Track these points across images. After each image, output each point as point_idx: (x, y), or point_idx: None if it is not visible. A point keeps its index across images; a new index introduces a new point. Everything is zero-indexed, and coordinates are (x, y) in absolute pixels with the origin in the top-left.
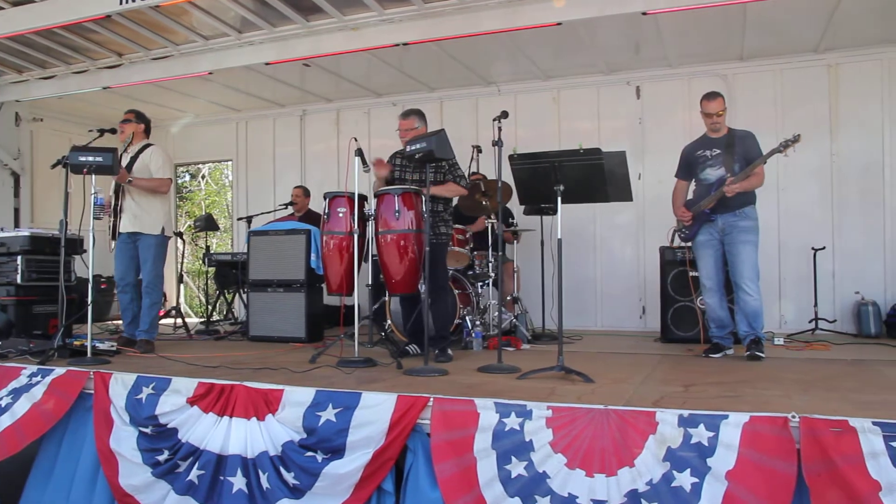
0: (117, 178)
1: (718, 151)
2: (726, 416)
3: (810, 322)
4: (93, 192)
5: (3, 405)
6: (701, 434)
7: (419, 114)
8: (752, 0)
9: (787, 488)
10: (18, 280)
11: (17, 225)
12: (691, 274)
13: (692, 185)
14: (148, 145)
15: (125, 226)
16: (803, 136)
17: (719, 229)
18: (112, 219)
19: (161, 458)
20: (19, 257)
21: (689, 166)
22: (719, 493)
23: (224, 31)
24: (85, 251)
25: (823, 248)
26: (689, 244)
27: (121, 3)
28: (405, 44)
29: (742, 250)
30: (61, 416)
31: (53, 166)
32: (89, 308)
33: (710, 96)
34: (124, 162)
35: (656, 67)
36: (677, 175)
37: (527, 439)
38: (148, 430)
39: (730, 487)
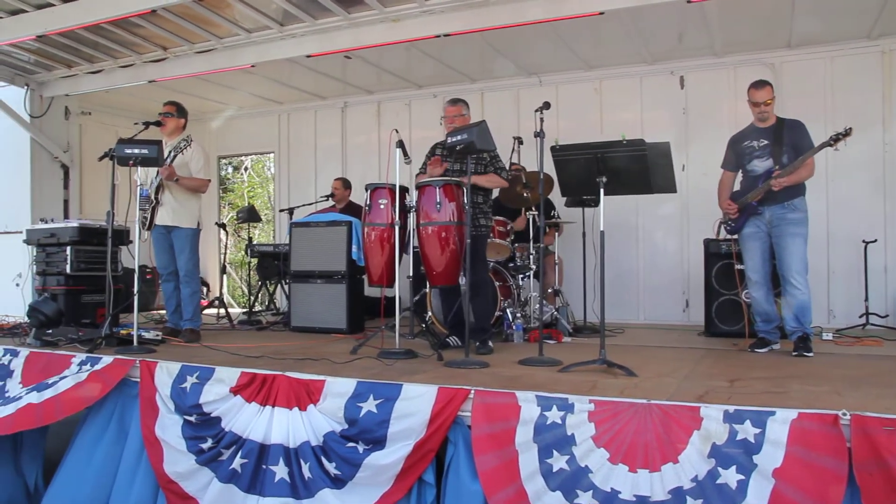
0: (164, 175)
1: (766, 142)
2: (773, 413)
3: (861, 317)
4: (139, 184)
5: (49, 383)
6: (747, 430)
7: (467, 103)
8: None
9: (838, 487)
10: (68, 270)
11: (66, 216)
12: (737, 267)
13: (739, 177)
14: (189, 140)
15: (162, 218)
16: (855, 126)
17: (767, 221)
18: (148, 210)
19: (205, 445)
20: (68, 248)
21: (735, 157)
22: (766, 490)
23: (266, 23)
24: (131, 242)
25: (875, 240)
26: (735, 236)
27: None
28: (447, 35)
29: (791, 243)
30: (99, 399)
31: (101, 158)
32: (135, 298)
33: (759, 85)
34: (166, 156)
35: (701, 56)
36: (723, 166)
37: (569, 433)
38: (192, 419)
39: (777, 485)
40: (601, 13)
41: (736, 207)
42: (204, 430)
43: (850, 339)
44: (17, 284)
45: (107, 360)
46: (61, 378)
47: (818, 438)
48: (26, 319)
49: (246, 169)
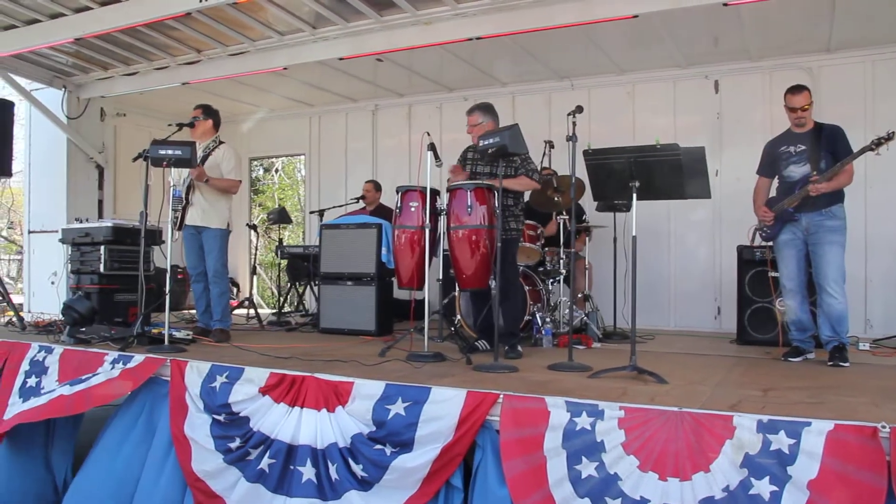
0: (195, 176)
1: (803, 147)
2: (809, 424)
3: None
4: (172, 185)
5: (83, 379)
6: (781, 441)
7: (484, 108)
8: None
9: (877, 502)
10: (101, 269)
11: (100, 216)
12: (771, 274)
13: (775, 183)
14: (221, 142)
15: (192, 218)
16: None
17: (803, 229)
18: (179, 210)
19: (233, 445)
20: (102, 247)
21: (772, 163)
22: (800, 502)
23: (299, 26)
24: (164, 242)
25: None
26: (770, 243)
27: (200, 1)
28: (478, 38)
29: (828, 251)
30: (128, 394)
31: (135, 159)
32: (166, 297)
33: (796, 90)
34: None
35: (736, 60)
36: (759, 172)
37: (598, 440)
38: (221, 418)
39: (812, 497)
40: (635, 16)
41: (772, 214)
42: (232, 430)
43: (888, 349)
44: (53, 283)
45: (138, 358)
46: (94, 375)
47: (856, 451)
48: (61, 317)
49: (277, 171)
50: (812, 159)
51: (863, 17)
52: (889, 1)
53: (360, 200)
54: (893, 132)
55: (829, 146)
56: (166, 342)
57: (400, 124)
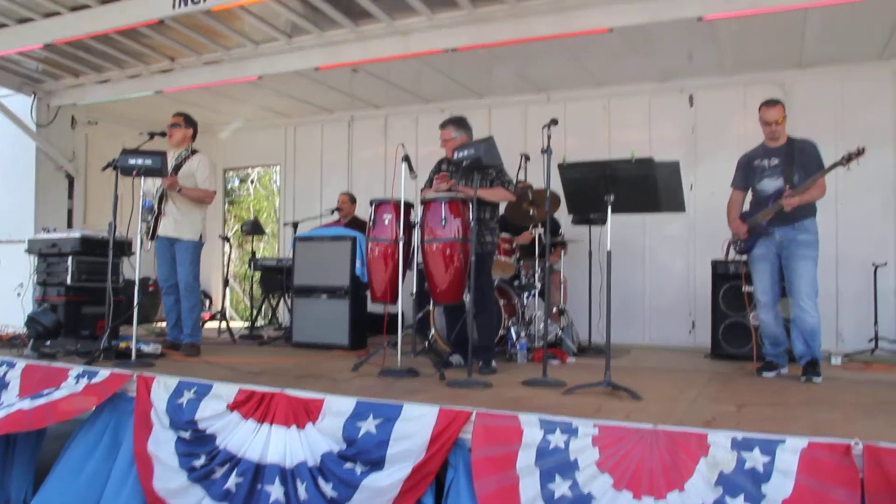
0: (167, 185)
1: (777, 161)
2: (783, 441)
3: (870, 342)
4: (142, 194)
5: (44, 393)
6: (756, 459)
7: (457, 122)
8: (815, 5)
9: None
10: (68, 281)
11: (69, 226)
12: (745, 289)
13: (748, 197)
14: (195, 151)
15: (165, 229)
16: (866, 147)
17: (777, 243)
18: (151, 221)
19: (198, 462)
20: (70, 258)
21: (745, 176)
22: None
23: (274, 35)
24: (133, 253)
25: (885, 263)
26: (744, 257)
27: (173, 8)
28: (454, 49)
29: (800, 265)
30: (91, 410)
31: (104, 168)
32: (135, 310)
33: (770, 104)
34: (170, 165)
35: (711, 75)
36: (733, 185)
37: (572, 458)
38: (187, 435)
39: None
40: (610, 30)
41: (746, 227)
42: (198, 447)
43: (860, 363)
44: (19, 294)
45: (104, 373)
46: (57, 390)
47: (830, 468)
48: (25, 330)
49: (252, 182)
50: (786, 173)
51: (833, 35)
52: (857, 21)
53: (335, 212)
54: (864, 147)
55: (802, 160)
56: (133, 356)
57: (376, 136)
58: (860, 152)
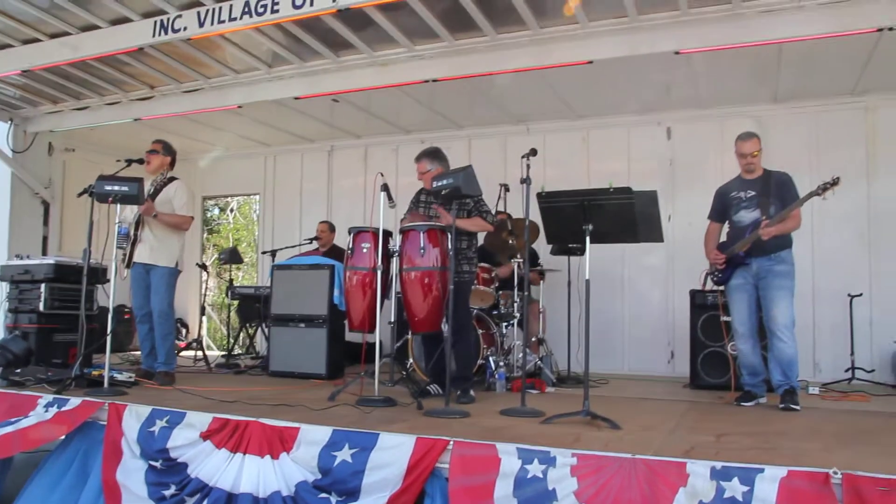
0: (143, 210)
1: (753, 193)
2: (762, 470)
3: (846, 371)
4: (117, 221)
5: (11, 422)
6: (735, 488)
7: (430, 155)
8: (788, 40)
9: None
10: (41, 308)
11: (44, 253)
12: (723, 318)
13: (725, 228)
14: (173, 178)
15: (140, 256)
16: (840, 177)
17: (754, 273)
18: (127, 247)
19: (167, 492)
20: (43, 285)
21: (722, 208)
22: None
23: (255, 65)
24: (108, 280)
25: (860, 294)
26: (722, 288)
27: (153, 36)
28: (434, 80)
29: (777, 295)
30: (60, 438)
31: (80, 195)
32: (108, 338)
33: (745, 136)
34: (147, 192)
35: (688, 108)
36: (710, 217)
37: (550, 488)
38: (158, 464)
39: None
40: (590, 62)
41: (723, 258)
42: (168, 477)
43: (837, 393)
44: None
45: (75, 401)
46: (25, 418)
47: (809, 498)
48: None
49: (232, 210)
50: (762, 205)
51: (807, 71)
52: (830, 58)
53: (314, 241)
54: (839, 177)
55: (778, 192)
56: (106, 384)
57: (356, 166)
58: (835, 182)
